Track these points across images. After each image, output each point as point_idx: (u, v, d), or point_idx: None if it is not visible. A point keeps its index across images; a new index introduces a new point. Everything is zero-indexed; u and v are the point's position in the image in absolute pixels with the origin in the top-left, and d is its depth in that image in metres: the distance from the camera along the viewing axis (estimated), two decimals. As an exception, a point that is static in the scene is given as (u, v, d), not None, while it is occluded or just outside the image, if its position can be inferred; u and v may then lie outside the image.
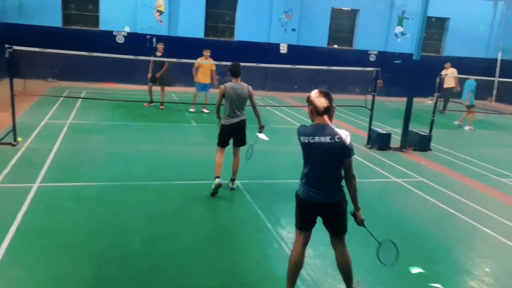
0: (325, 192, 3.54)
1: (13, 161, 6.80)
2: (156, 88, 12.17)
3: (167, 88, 12.81)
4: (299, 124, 3.80)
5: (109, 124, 10.05)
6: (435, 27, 19.90)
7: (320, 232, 4.48)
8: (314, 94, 3.53)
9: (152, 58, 11.46)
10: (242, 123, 6.23)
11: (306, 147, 3.53)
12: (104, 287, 3.83)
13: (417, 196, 6.71)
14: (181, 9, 16.86)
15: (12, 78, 7.53)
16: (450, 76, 14.69)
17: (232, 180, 6.36)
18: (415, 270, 4.50)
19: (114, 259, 4.24)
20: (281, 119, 12.20)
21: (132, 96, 13.51)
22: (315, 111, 3.51)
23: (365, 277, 4.26)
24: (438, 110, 10.14)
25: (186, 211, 5.55)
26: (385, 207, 6.18)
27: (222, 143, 6.24)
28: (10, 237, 4.44)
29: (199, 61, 11.46)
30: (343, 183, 3.60)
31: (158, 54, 11.91)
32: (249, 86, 6.14)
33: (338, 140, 3.42)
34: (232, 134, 6.20)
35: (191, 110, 12.14)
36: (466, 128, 12.98)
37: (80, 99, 12.13)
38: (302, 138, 3.53)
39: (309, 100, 3.54)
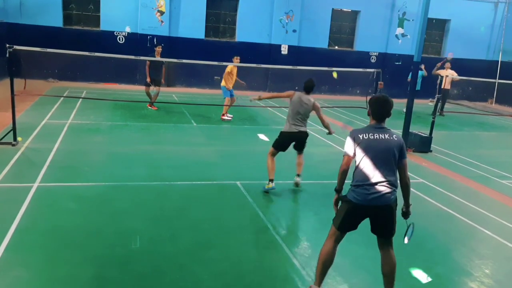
0: (384, 192, 3.55)
1: (13, 161, 6.80)
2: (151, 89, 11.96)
3: (168, 89, 12.80)
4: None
5: (110, 124, 10.05)
6: (435, 29, 19.91)
7: (319, 233, 4.46)
8: (377, 101, 3.62)
9: (149, 58, 11.31)
10: (303, 135, 6.30)
11: (363, 144, 3.54)
12: (105, 287, 3.82)
13: (417, 197, 6.69)
14: (182, 10, 16.87)
15: (12, 78, 7.53)
16: (453, 77, 14.59)
17: (298, 175, 6.41)
18: (415, 271, 4.50)
19: (114, 260, 4.23)
20: (281, 120, 12.15)
21: (133, 96, 13.50)
22: (378, 117, 3.60)
23: (366, 277, 4.26)
24: (438, 111, 10.25)
25: (187, 211, 5.54)
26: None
27: (279, 147, 6.32)
28: (9, 237, 4.44)
29: (232, 68, 11.13)
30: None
31: (157, 56, 11.72)
32: (316, 102, 6.29)
33: (395, 139, 3.55)
34: (291, 142, 6.33)
35: (228, 118, 11.53)
36: None
37: (81, 99, 12.14)
38: (360, 136, 3.56)
39: (372, 106, 3.64)
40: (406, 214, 3.77)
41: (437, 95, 9.80)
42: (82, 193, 5.86)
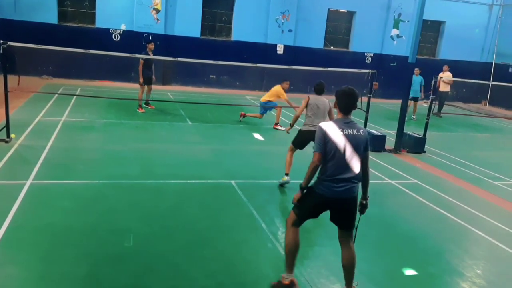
0: (351, 185, 3.63)
1: (6, 158, 6.76)
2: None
3: (163, 87, 12.73)
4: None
5: (104, 122, 10.01)
6: (430, 30, 20.01)
7: (313, 233, 4.49)
8: (343, 91, 3.72)
9: (143, 57, 11.05)
10: None
11: (332, 139, 3.58)
12: (98, 285, 3.81)
13: (410, 198, 6.74)
14: (178, 8, 16.83)
15: (6, 74, 7.48)
16: (446, 79, 14.72)
17: None
18: (408, 271, 4.53)
19: (108, 258, 4.22)
20: (276, 120, 12.18)
21: (128, 94, 13.44)
22: (346, 109, 3.69)
23: (359, 278, 4.26)
24: (433, 113, 10.27)
25: (181, 210, 5.54)
26: (379, 209, 6.19)
27: (298, 145, 6.60)
28: (2, 235, 4.41)
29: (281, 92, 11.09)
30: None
31: (150, 54, 11.41)
32: (329, 102, 6.48)
33: (362, 133, 3.67)
34: (310, 140, 6.45)
35: (281, 128, 10.89)
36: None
37: (75, 97, 12.08)
38: (329, 131, 3.60)
39: (339, 98, 3.73)
40: (365, 206, 3.86)
41: (431, 96, 9.82)
42: (76, 191, 5.83)
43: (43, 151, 7.25)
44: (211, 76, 17.27)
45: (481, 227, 5.77)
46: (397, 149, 9.46)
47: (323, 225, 5.30)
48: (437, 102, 14.93)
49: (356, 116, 14.25)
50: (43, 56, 12.71)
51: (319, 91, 6.67)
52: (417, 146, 9.59)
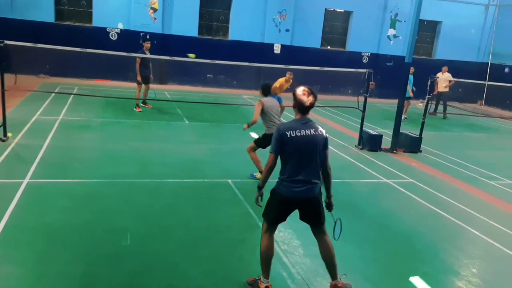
0: (310, 186, 3.67)
1: (2, 157, 6.75)
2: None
3: (160, 87, 12.71)
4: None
5: (101, 121, 10.00)
6: (427, 30, 20.07)
7: (310, 232, 4.51)
8: (301, 91, 3.66)
9: (140, 56, 11.02)
10: None
11: (291, 141, 3.59)
12: (95, 285, 3.82)
13: (406, 197, 6.77)
14: (175, 7, 16.80)
15: (3, 73, 7.46)
16: (443, 79, 14.71)
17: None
18: (403, 270, 4.55)
19: (104, 257, 4.23)
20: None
21: (125, 93, 13.41)
22: (303, 110, 3.66)
23: (355, 276, 4.30)
24: (429, 112, 10.37)
25: (178, 209, 5.55)
26: (375, 208, 6.23)
27: (260, 145, 6.65)
28: (-1, 233, 4.41)
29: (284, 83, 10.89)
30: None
31: (147, 52, 11.32)
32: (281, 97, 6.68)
33: (320, 133, 3.67)
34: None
35: None
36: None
37: (72, 96, 12.06)
38: (288, 133, 3.60)
39: (297, 99, 3.66)
40: (329, 205, 3.90)
41: (427, 96, 9.85)
42: (73, 190, 5.83)
43: (40, 150, 7.24)
44: (208, 75, 17.25)
45: (476, 226, 5.81)
46: (393, 149, 9.50)
47: (320, 224, 5.32)
48: (433, 102, 14.98)
49: (353, 116, 14.35)
50: (40, 55, 12.65)
51: (267, 91, 6.75)
52: (413, 145, 9.64)
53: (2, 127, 7.57)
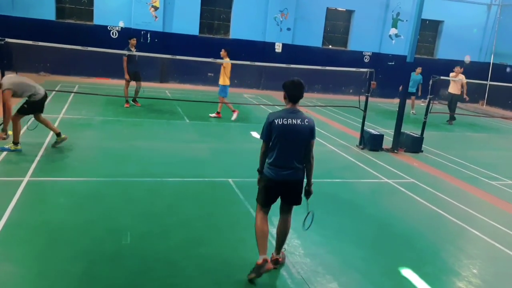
0: (293, 170, 3.97)
1: (3, 155, 6.75)
2: (132, 83, 11.61)
3: (161, 85, 12.69)
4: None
5: (102, 120, 9.99)
6: (429, 30, 20.03)
7: (311, 231, 4.50)
8: (292, 84, 3.96)
9: (126, 53, 10.90)
10: None
11: (277, 128, 3.87)
12: (95, 283, 3.81)
13: (407, 197, 6.76)
14: (176, 6, 16.79)
15: (3, 71, 7.46)
16: (456, 80, 13.96)
17: None
18: (404, 270, 4.54)
19: (104, 256, 4.22)
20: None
21: (125, 91, 13.42)
22: (293, 100, 3.96)
23: (355, 276, 4.29)
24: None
25: (178, 208, 5.54)
26: (376, 208, 6.22)
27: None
28: (-1, 232, 4.41)
29: (226, 61, 10.72)
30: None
31: (133, 49, 11.34)
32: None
33: (307, 123, 3.92)
34: None
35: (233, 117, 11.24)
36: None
37: (73, 94, 12.05)
38: (276, 121, 3.88)
39: (286, 89, 3.97)
40: (308, 192, 4.12)
41: (429, 96, 9.82)
42: (73, 188, 5.82)
43: (41, 148, 7.24)
44: (209, 74, 17.21)
45: (477, 227, 5.79)
46: (394, 149, 9.48)
47: (319, 227, 5.33)
48: (435, 102, 14.85)
49: (354, 115, 14.35)
50: (41, 53, 12.67)
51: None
52: (414, 145, 9.61)
53: (2, 125, 7.55)
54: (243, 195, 6.06)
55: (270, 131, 3.91)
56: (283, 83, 3.98)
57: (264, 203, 4.11)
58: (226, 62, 10.71)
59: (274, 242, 4.35)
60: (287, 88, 3.96)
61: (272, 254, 4.25)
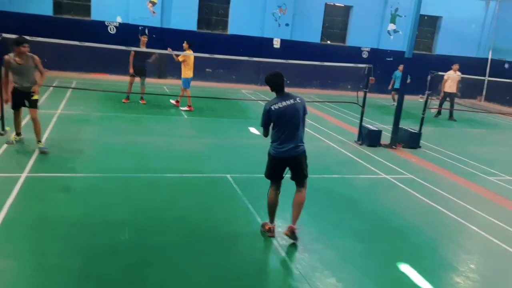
0: (294, 146, 4.55)
1: (1, 151, 6.72)
2: (137, 80, 11.50)
3: (159, 81, 12.63)
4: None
5: (100, 115, 9.97)
6: (427, 25, 20.00)
7: (309, 226, 4.51)
8: (272, 76, 4.54)
9: (136, 49, 10.83)
10: None
11: (275, 112, 4.43)
12: (93, 278, 3.81)
13: (405, 193, 6.77)
14: (174, 1, 16.70)
15: (0, 67, 7.42)
16: (453, 77, 13.82)
17: None
18: (402, 265, 4.56)
19: (102, 251, 4.22)
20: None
21: (124, 87, 13.35)
22: (278, 88, 4.54)
23: (353, 272, 4.30)
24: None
25: (176, 204, 5.54)
26: (374, 203, 6.23)
27: None
28: (-3, 227, 4.40)
29: (187, 53, 10.86)
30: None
31: (143, 47, 11.28)
32: None
33: (299, 101, 4.55)
34: None
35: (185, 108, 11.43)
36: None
37: (70, 89, 12.01)
38: (272, 107, 4.44)
39: (269, 82, 4.55)
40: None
41: (427, 92, 9.82)
42: (71, 184, 5.81)
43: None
44: (207, 69, 17.17)
45: (475, 222, 5.81)
46: (392, 144, 9.49)
47: (317, 223, 5.34)
48: (432, 98, 14.77)
49: (352, 111, 14.34)
50: (38, 48, 12.48)
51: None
52: (412, 141, 9.62)
53: (0, 121, 7.54)
54: (241, 191, 6.06)
55: (269, 118, 4.49)
56: (266, 78, 4.55)
57: (271, 177, 4.72)
58: (184, 54, 10.77)
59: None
60: (269, 81, 4.54)
61: (289, 226, 4.65)
